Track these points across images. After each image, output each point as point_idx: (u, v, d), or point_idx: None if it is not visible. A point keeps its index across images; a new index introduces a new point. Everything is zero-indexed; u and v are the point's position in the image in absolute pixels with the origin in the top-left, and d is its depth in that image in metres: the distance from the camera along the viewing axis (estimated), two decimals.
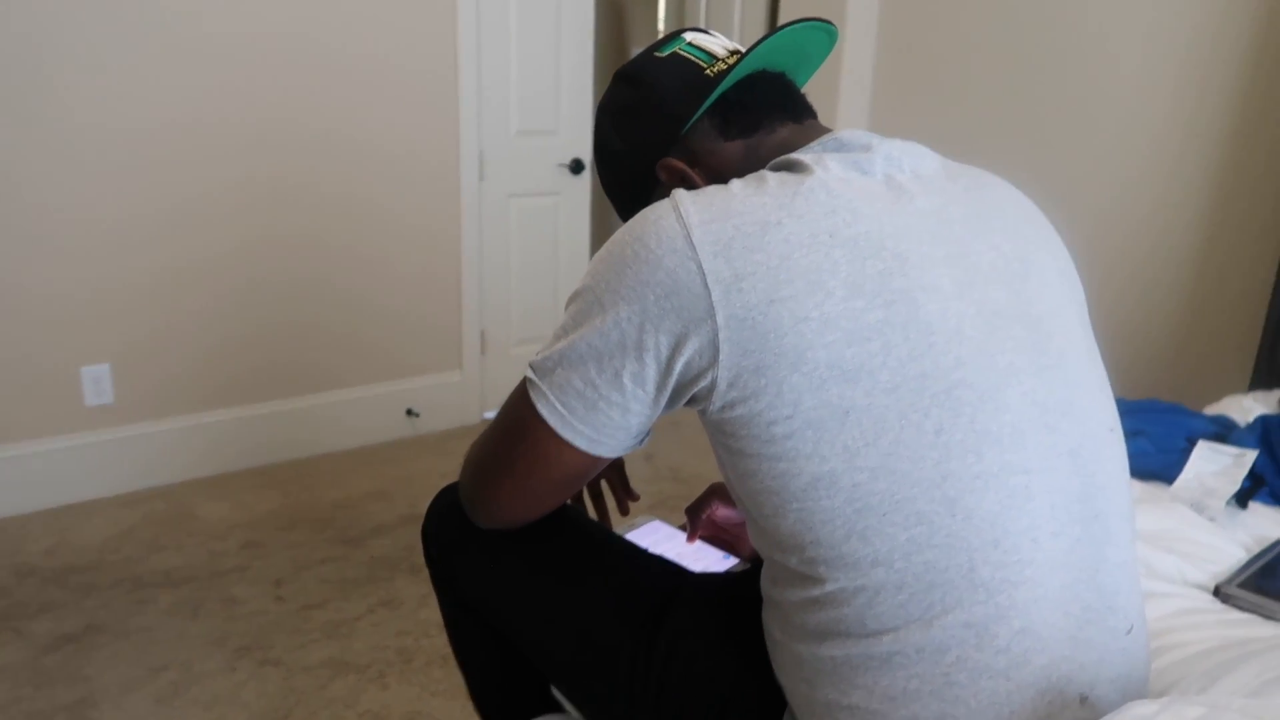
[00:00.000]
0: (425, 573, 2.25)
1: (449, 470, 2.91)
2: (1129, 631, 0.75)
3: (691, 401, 0.75)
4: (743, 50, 0.92)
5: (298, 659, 1.88)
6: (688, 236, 0.70)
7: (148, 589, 2.12)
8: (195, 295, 2.63)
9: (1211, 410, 1.85)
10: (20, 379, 2.40)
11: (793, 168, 0.77)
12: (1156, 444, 1.51)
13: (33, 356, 2.41)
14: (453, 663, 1.89)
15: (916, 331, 0.69)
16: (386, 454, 3.02)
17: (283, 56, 2.63)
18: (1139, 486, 1.39)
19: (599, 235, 4.86)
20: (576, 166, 3.35)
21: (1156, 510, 1.30)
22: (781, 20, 3.30)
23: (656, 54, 0.93)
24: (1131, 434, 1.52)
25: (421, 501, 2.66)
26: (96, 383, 2.51)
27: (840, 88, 3.12)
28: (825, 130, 0.86)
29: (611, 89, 0.96)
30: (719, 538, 1.23)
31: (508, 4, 3.05)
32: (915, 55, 3.05)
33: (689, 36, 0.94)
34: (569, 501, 1.03)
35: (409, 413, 3.14)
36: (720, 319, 0.69)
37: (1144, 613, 0.79)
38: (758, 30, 3.52)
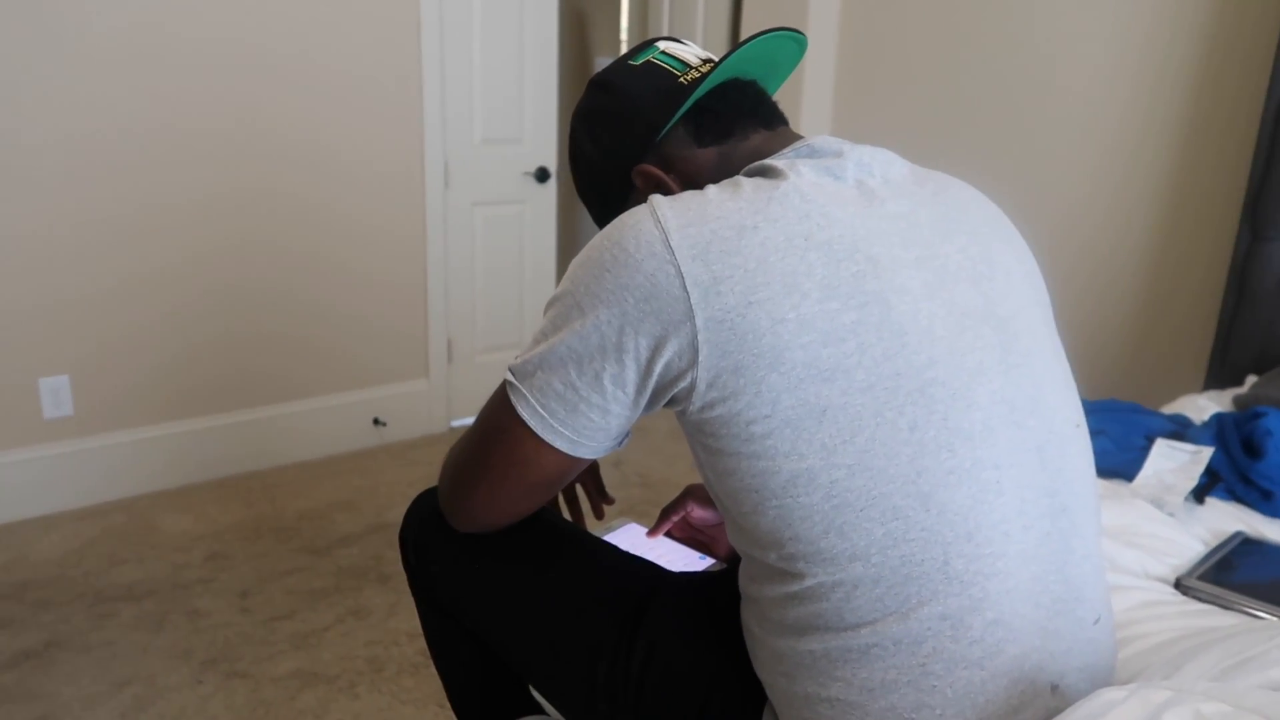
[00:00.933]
0: (394, 582, 2.23)
1: (416, 479, 2.89)
2: (1096, 622, 0.78)
3: (671, 403, 0.76)
4: (715, 59, 0.94)
5: (265, 670, 1.86)
6: (666, 240, 0.71)
7: (109, 603, 2.08)
8: (155, 305, 2.59)
9: (1169, 409, 1.90)
10: None
11: (767, 173, 0.78)
12: (1117, 442, 1.55)
13: None
14: (424, 671, 1.88)
15: (890, 332, 0.71)
16: (353, 463, 2.99)
17: (243, 63, 2.61)
18: (1100, 484, 1.43)
19: (565, 243, 4.87)
20: (542, 175, 3.36)
21: (1118, 506, 1.34)
22: (745, 27, 3.34)
23: (631, 62, 0.95)
24: (1093, 433, 1.56)
25: (389, 511, 2.64)
26: (55, 394, 2.46)
27: (803, 95, 3.17)
28: (797, 137, 0.88)
29: (586, 96, 0.97)
30: (695, 539, 1.24)
31: (471, 13, 3.05)
32: (876, 63, 3.10)
33: (662, 45, 0.96)
34: (545, 506, 1.04)
35: (376, 422, 3.12)
36: (699, 321, 0.70)
37: (1110, 604, 0.82)
38: (720, 37, 3.55)
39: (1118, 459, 1.51)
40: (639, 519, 2.59)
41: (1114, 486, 1.45)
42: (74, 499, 2.54)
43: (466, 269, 3.28)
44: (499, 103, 3.20)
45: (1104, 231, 2.56)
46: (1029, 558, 0.73)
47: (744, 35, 3.28)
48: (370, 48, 2.84)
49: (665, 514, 1.18)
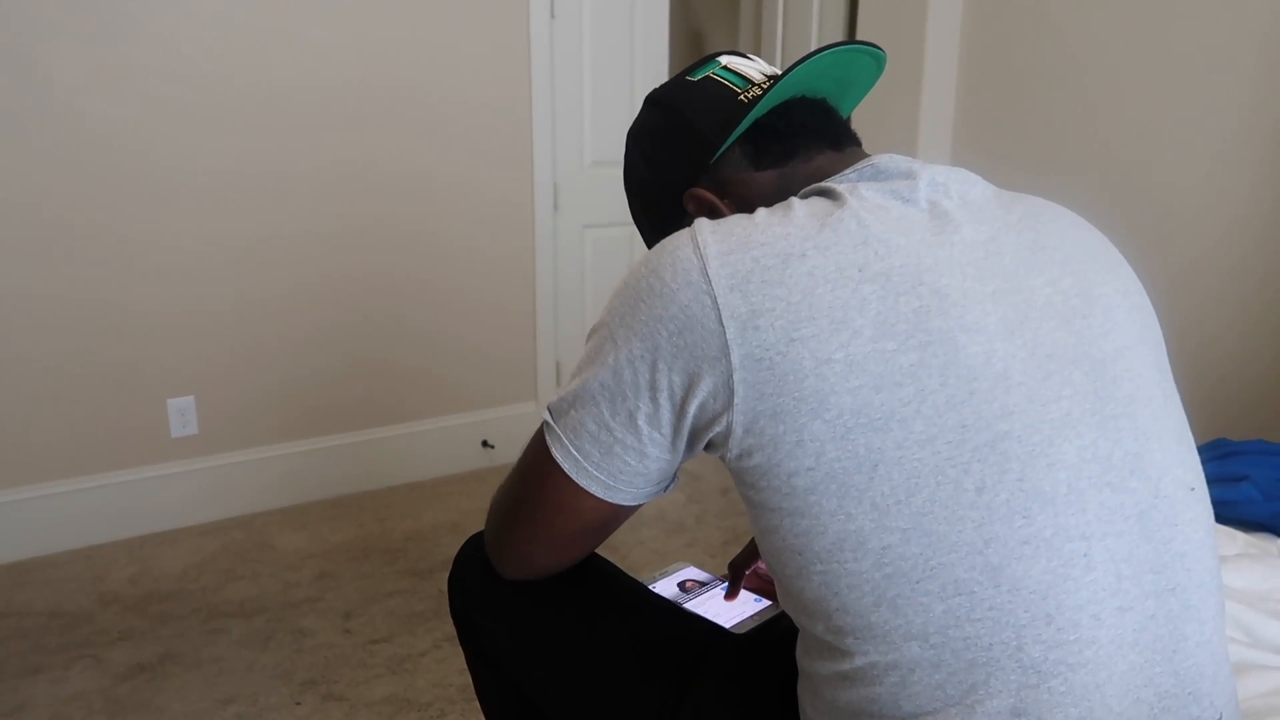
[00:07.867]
0: None
1: None
2: None
3: (709, 447, 0.70)
4: (781, 74, 0.87)
5: (361, 694, 1.87)
6: (704, 269, 0.65)
7: (221, 619, 2.15)
8: (276, 331, 2.69)
9: None
10: (113, 412, 2.49)
11: (824, 196, 0.71)
12: (1264, 490, 1.36)
13: (123, 390, 2.50)
14: None
15: (956, 376, 0.62)
16: (461, 485, 3.02)
17: (360, 102, 2.69)
18: (1242, 539, 1.25)
19: None
20: None
21: (1262, 567, 1.16)
22: (861, 38, 3.21)
23: (689, 78, 0.89)
24: (1236, 479, 1.38)
25: None
26: (182, 414, 2.58)
27: (920, 117, 3.01)
28: (867, 157, 0.80)
29: (641, 113, 0.93)
30: (764, 590, 1.15)
31: (581, 36, 3.06)
32: (1001, 80, 2.92)
33: (724, 60, 0.90)
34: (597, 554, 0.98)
35: (484, 444, 3.14)
36: (735, 358, 0.63)
37: (1235, 699, 0.69)
38: None
39: (1265, 509, 1.33)
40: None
41: (1260, 542, 1.27)
42: (197, 515, 2.66)
43: (576, 291, 3.27)
44: (609, 124, 3.19)
45: (1258, 254, 2.32)
46: (1127, 645, 0.62)
47: (819, 47, 3.15)
48: (480, 76, 2.88)
49: (735, 568, 1.10)
